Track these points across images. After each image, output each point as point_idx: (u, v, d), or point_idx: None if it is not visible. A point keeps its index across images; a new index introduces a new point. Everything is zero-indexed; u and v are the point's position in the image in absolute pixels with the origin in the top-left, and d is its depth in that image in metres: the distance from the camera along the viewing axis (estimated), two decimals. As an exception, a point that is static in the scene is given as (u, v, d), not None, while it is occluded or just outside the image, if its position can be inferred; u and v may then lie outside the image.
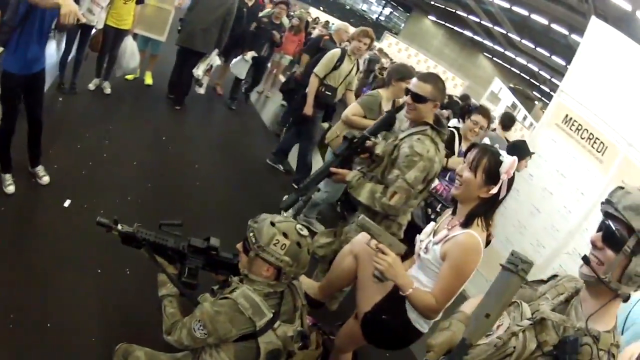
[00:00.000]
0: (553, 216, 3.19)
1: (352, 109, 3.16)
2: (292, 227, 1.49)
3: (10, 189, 2.73)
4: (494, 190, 1.53)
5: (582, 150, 3.11)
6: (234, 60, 5.41)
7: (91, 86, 4.37)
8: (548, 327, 0.95)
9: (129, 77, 4.94)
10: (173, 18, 4.89)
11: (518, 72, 22.66)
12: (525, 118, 7.59)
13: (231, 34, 4.94)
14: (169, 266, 1.69)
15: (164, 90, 5.03)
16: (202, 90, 4.91)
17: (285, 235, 1.46)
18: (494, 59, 23.82)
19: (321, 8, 23.47)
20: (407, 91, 2.07)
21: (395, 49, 17.31)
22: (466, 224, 1.55)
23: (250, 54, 5.33)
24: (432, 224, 1.77)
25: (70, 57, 4.10)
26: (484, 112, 3.11)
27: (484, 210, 1.58)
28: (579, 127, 3.15)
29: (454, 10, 20.70)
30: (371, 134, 2.32)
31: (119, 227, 1.64)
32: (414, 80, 2.06)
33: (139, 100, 4.82)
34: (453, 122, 5.50)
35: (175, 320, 1.55)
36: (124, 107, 4.48)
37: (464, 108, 6.68)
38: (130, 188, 3.13)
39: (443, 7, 21.36)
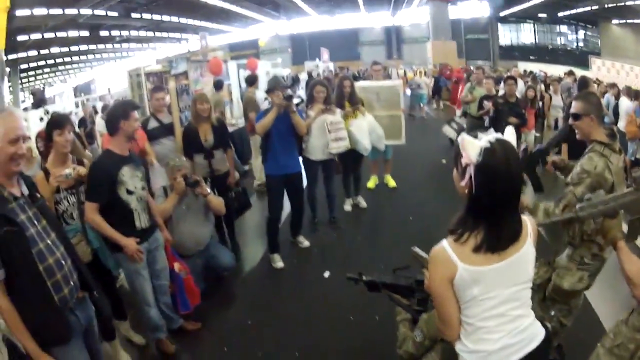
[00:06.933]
0: None
1: None
2: None
3: (279, 264, 3.63)
4: (463, 182, 1.26)
5: None
6: None
7: (347, 207, 4.76)
8: None
9: (370, 185, 5.46)
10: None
11: None
12: None
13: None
14: (403, 299, 2.02)
15: (412, 184, 5.62)
16: None
17: None
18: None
19: (531, 57, 24.98)
20: None
21: (605, 70, 17.48)
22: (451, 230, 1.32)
23: None
24: None
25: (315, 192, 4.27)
26: None
27: (470, 218, 1.28)
28: None
29: (622, 3, 18.92)
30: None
31: (364, 277, 2.07)
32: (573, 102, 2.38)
33: (391, 201, 5.25)
34: None
35: (405, 337, 1.91)
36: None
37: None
38: (388, 253, 3.55)
39: (614, 4, 19.72)
